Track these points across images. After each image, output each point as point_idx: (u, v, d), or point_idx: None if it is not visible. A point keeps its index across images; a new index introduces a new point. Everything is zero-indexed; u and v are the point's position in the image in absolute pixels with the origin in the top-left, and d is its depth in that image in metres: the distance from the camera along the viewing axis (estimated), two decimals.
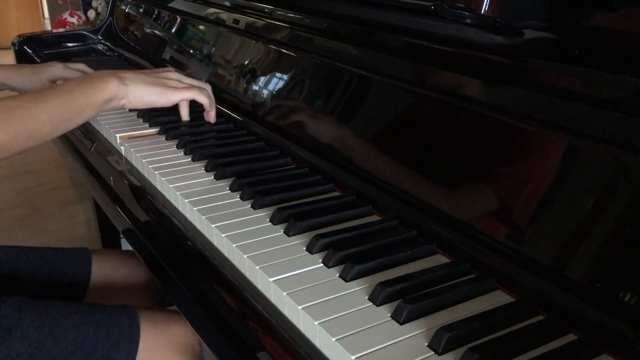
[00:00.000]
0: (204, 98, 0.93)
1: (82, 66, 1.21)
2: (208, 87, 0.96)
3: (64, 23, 2.99)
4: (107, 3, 1.67)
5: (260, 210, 0.69)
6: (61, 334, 0.71)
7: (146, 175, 0.84)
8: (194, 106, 1.10)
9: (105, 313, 0.76)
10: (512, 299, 0.53)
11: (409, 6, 0.74)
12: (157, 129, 0.97)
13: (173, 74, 0.94)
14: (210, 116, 0.96)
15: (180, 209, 0.74)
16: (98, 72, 0.86)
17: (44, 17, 5.40)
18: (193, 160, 0.85)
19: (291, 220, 0.64)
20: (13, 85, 1.14)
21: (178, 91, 0.90)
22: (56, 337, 0.71)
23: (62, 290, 0.92)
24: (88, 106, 0.82)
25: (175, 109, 1.07)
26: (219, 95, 1.06)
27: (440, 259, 0.60)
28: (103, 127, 1.00)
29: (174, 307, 0.84)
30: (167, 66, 1.23)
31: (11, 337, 0.69)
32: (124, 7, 1.64)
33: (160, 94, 0.88)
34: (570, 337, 0.49)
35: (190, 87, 0.92)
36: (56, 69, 1.16)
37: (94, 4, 1.76)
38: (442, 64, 0.68)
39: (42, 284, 0.91)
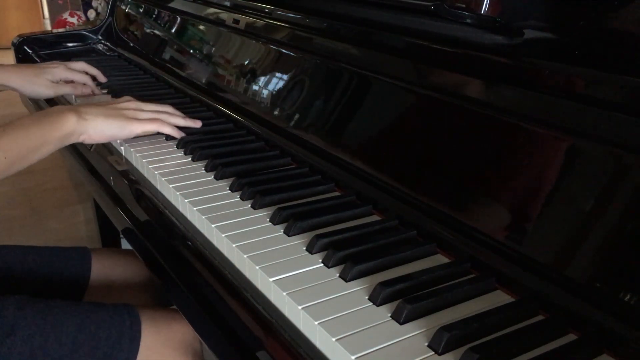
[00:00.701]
0: (168, 129, 0.90)
1: (82, 65, 1.21)
2: (169, 109, 0.93)
3: (64, 23, 2.99)
4: (107, 3, 1.67)
5: (260, 210, 0.69)
6: (62, 332, 0.71)
7: (146, 175, 0.84)
8: (193, 108, 1.10)
9: (106, 312, 0.76)
10: (512, 299, 0.53)
11: (409, 6, 0.74)
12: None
13: (132, 104, 0.91)
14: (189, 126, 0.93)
15: (180, 209, 0.74)
16: (55, 108, 0.84)
17: (44, 17, 5.40)
18: (193, 160, 0.85)
19: (291, 220, 0.64)
20: (13, 87, 1.13)
21: (140, 123, 0.87)
22: (57, 336, 0.71)
23: (62, 290, 0.92)
24: (45, 143, 0.79)
25: (176, 108, 1.07)
26: (219, 95, 1.06)
27: (440, 259, 0.60)
28: None
29: (174, 307, 0.84)
30: (166, 68, 1.24)
31: (13, 336, 0.69)
32: (124, 7, 1.64)
33: (122, 127, 0.86)
34: (570, 337, 0.49)
35: (152, 119, 0.89)
36: (58, 71, 1.16)
37: (94, 4, 1.76)
38: (442, 64, 0.68)
39: (41, 283, 0.91)
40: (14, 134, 0.77)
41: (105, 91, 1.22)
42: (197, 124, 0.94)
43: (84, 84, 1.19)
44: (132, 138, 0.92)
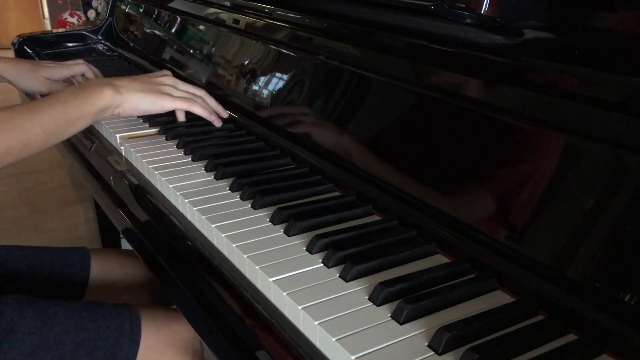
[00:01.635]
0: (199, 109, 0.91)
1: (82, 68, 1.20)
2: (202, 93, 0.94)
3: (64, 23, 2.99)
4: (107, 3, 1.67)
5: (260, 210, 0.69)
6: (63, 332, 0.71)
7: (146, 175, 0.84)
8: None
9: (107, 311, 0.76)
10: (512, 299, 0.53)
11: (409, 6, 0.74)
12: (157, 129, 0.97)
13: (168, 79, 0.93)
14: (215, 123, 0.95)
15: (180, 209, 0.74)
16: (92, 81, 0.86)
17: (44, 17, 5.40)
18: (193, 160, 0.85)
19: (291, 220, 0.64)
20: (10, 79, 1.13)
21: (172, 100, 0.89)
22: (58, 335, 0.71)
23: (61, 290, 0.92)
24: (82, 117, 0.81)
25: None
26: (219, 95, 1.06)
27: (440, 259, 0.60)
28: (103, 127, 1.00)
29: (174, 307, 0.84)
30: (166, 68, 1.23)
31: (13, 336, 0.69)
32: (124, 7, 1.64)
33: (154, 102, 0.88)
34: (570, 337, 0.49)
35: (185, 98, 0.91)
36: (57, 70, 1.16)
37: (94, 4, 1.76)
38: (442, 64, 0.68)
39: (40, 283, 0.91)
40: (51, 108, 0.79)
41: None
42: (225, 114, 0.96)
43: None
44: (132, 138, 0.92)
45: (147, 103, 0.87)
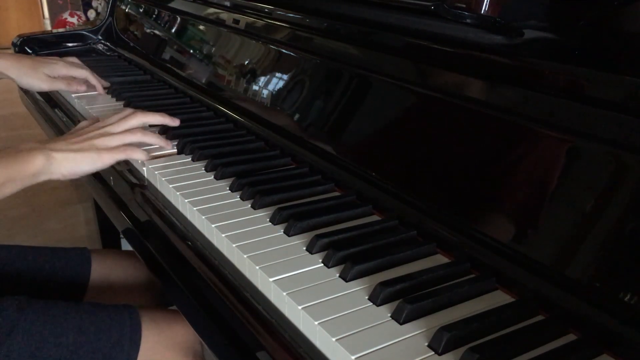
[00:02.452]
0: (139, 154, 0.85)
1: (84, 73, 1.20)
2: (137, 121, 0.87)
3: (64, 23, 2.99)
4: (107, 3, 1.67)
5: (260, 210, 0.69)
6: (62, 333, 0.71)
7: (146, 175, 0.84)
8: (193, 107, 1.10)
9: (107, 312, 0.76)
10: (512, 299, 0.53)
11: (409, 6, 0.74)
12: (157, 130, 0.97)
13: (101, 130, 0.85)
14: (165, 144, 0.89)
15: (180, 209, 0.74)
16: (24, 145, 0.79)
17: (44, 17, 5.40)
18: (193, 160, 0.85)
19: (291, 220, 0.64)
20: (11, 76, 1.13)
21: (110, 152, 0.82)
22: (57, 336, 0.71)
23: (61, 291, 0.92)
24: (9, 181, 0.76)
25: (175, 108, 1.07)
26: (219, 95, 1.06)
27: (440, 259, 0.60)
28: None
29: (174, 307, 0.84)
30: (166, 68, 1.23)
31: (12, 337, 0.69)
32: (124, 7, 1.64)
33: (94, 161, 0.81)
34: (570, 337, 0.49)
35: (123, 147, 0.83)
36: (57, 67, 1.16)
37: (94, 4, 1.76)
38: (442, 64, 0.68)
39: (41, 283, 0.91)
40: None
41: (105, 91, 1.22)
42: (168, 145, 0.90)
43: (83, 81, 1.19)
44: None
45: (86, 165, 0.81)
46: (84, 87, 1.19)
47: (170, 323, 0.79)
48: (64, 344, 0.71)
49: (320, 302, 0.52)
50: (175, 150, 0.90)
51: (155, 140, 0.88)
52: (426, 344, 0.47)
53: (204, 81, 1.13)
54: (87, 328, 0.73)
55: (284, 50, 0.95)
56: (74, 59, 1.24)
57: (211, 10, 1.22)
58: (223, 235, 0.63)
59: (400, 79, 0.72)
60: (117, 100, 1.17)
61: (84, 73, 1.19)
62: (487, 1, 0.62)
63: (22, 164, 0.76)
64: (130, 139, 0.85)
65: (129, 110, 0.90)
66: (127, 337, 0.74)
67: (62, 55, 1.26)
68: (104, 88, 1.22)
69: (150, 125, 0.95)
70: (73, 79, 1.18)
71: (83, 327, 0.72)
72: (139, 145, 0.86)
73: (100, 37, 1.66)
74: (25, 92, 1.40)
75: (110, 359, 0.72)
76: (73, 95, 1.18)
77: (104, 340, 0.72)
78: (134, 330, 0.75)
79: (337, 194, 0.75)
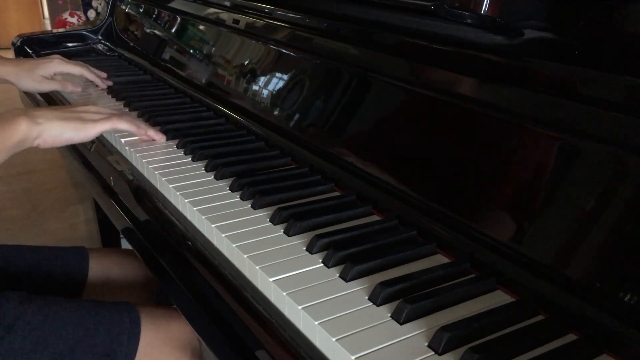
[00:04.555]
0: (125, 124, 0.87)
1: (78, 69, 1.20)
2: (129, 117, 0.90)
3: (64, 23, 2.99)
4: (107, 3, 1.67)
5: (260, 210, 0.69)
6: (62, 328, 0.72)
7: (146, 175, 0.84)
8: (193, 107, 1.10)
9: (106, 309, 0.76)
10: (512, 299, 0.53)
11: (409, 6, 0.74)
12: (157, 129, 0.97)
13: (92, 107, 0.87)
14: (150, 135, 0.91)
15: (180, 209, 0.74)
16: (7, 113, 0.79)
17: (44, 17, 5.40)
18: (193, 160, 0.85)
19: (291, 220, 0.64)
20: (11, 81, 1.15)
21: (94, 123, 0.84)
22: (58, 331, 0.71)
23: (59, 289, 0.92)
24: None
25: (175, 108, 1.07)
26: (219, 95, 1.06)
27: (440, 259, 0.60)
28: None
29: (173, 307, 0.84)
30: (166, 68, 1.23)
31: (13, 332, 0.69)
32: (124, 7, 1.64)
33: (77, 130, 0.82)
34: (570, 337, 0.49)
35: (109, 116, 0.86)
36: (53, 65, 1.16)
37: (94, 4, 1.76)
38: (442, 64, 0.68)
39: (39, 282, 0.91)
40: None
41: (106, 91, 1.22)
42: (155, 136, 0.91)
43: (82, 81, 1.19)
44: (132, 138, 0.92)
45: (70, 131, 0.82)
46: (79, 89, 1.19)
47: (168, 320, 0.79)
48: (64, 338, 0.71)
49: (320, 302, 0.52)
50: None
51: (144, 127, 0.90)
52: (426, 344, 0.47)
53: (204, 81, 1.13)
54: (87, 323, 0.73)
55: (284, 50, 0.95)
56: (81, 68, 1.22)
57: (211, 10, 1.22)
58: (223, 235, 0.63)
59: (400, 79, 0.72)
60: (117, 100, 1.17)
61: (78, 69, 1.19)
62: (487, 1, 0.62)
63: (6, 131, 0.76)
64: (118, 117, 0.87)
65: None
66: (127, 332, 0.74)
67: (63, 55, 1.26)
68: (107, 87, 1.22)
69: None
70: (68, 79, 1.19)
71: (83, 322, 0.73)
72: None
73: (100, 37, 1.66)
74: (25, 92, 1.40)
75: (109, 353, 0.73)
76: (73, 95, 1.18)
77: (103, 335, 0.73)
78: (133, 327, 0.75)
79: (337, 194, 0.75)
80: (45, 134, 0.80)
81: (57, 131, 0.81)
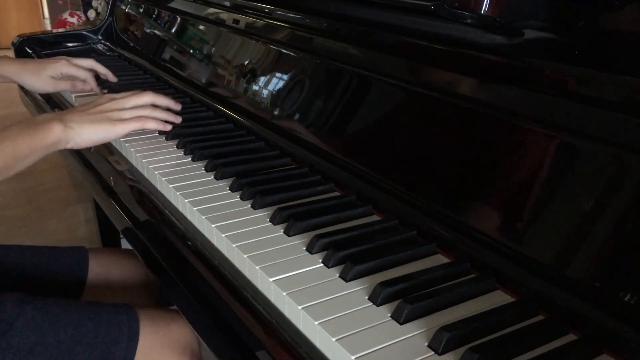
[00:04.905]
0: (153, 124, 0.90)
1: (89, 62, 1.20)
2: (149, 98, 0.92)
3: (64, 23, 2.99)
4: (107, 3, 1.67)
5: (260, 210, 0.69)
6: (61, 329, 0.72)
7: (146, 175, 0.84)
8: (193, 107, 1.10)
9: (105, 310, 0.76)
10: (512, 299, 0.53)
11: (409, 6, 0.74)
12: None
13: (113, 103, 0.90)
14: (167, 128, 0.93)
15: (180, 209, 0.74)
16: (41, 117, 0.84)
17: (44, 17, 5.40)
18: (193, 160, 0.85)
19: (291, 220, 0.64)
20: (17, 81, 1.15)
21: (124, 123, 0.87)
22: (56, 332, 0.71)
23: (59, 289, 0.92)
24: (32, 153, 0.80)
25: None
26: (219, 95, 1.06)
27: (440, 259, 0.60)
28: None
29: (173, 307, 0.84)
30: (166, 68, 1.23)
31: (11, 332, 0.70)
32: (124, 7, 1.64)
33: (108, 131, 0.86)
34: (570, 337, 0.49)
35: (136, 118, 0.89)
36: (59, 65, 1.16)
37: (94, 4, 1.76)
38: (442, 64, 0.68)
39: (38, 282, 0.91)
40: (1, 145, 0.77)
41: (105, 90, 1.22)
42: (177, 119, 0.95)
43: (84, 81, 1.18)
44: (132, 138, 0.92)
45: (101, 133, 0.86)
46: (89, 87, 1.18)
47: (168, 322, 0.79)
48: (62, 340, 0.71)
49: (320, 302, 0.52)
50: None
51: (164, 115, 0.93)
52: (426, 344, 0.47)
53: (204, 81, 1.13)
54: (86, 324, 0.73)
55: (284, 50, 0.95)
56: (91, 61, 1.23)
57: (211, 10, 1.22)
58: (223, 235, 0.63)
59: (400, 78, 0.72)
60: None
61: (90, 63, 1.19)
62: (487, 1, 0.62)
63: (42, 133, 0.81)
64: (141, 112, 0.90)
65: (138, 91, 0.94)
66: (125, 335, 0.74)
67: (63, 55, 1.25)
68: (104, 88, 1.21)
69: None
70: (77, 79, 1.18)
71: (82, 324, 0.73)
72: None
73: (100, 37, 1.66)
74: (25, 91, 1.40)
75: (108, 356, 0.73)
76: (73, 95, 1.18)
77: (102, 337, 0.73)
78: (132, 329, 0.75)
79: (337, 194, 0.75)
80: (77, 138, 0.84)
81: (89, 134, 0.85)
